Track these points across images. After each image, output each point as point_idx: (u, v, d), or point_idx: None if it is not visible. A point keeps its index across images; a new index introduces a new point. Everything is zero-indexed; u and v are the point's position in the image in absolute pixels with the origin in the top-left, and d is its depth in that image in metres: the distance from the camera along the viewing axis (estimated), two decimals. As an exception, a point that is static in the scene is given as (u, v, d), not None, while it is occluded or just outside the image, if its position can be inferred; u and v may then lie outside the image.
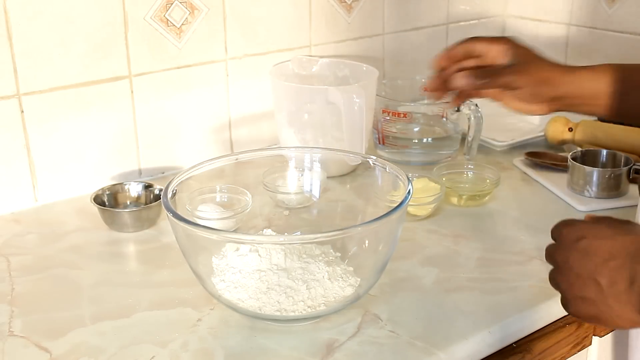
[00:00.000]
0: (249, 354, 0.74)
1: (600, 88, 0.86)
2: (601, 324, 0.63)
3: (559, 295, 0.64)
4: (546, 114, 0.91)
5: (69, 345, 0.75)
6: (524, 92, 0.87)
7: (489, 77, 0.88)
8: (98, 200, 1.01)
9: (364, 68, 1.19)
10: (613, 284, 0.59)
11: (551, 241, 0.66)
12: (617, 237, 0.61)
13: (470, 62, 0.91)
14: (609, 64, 0.87)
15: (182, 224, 0.74)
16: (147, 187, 1.05)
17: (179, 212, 0.75)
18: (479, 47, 0.91)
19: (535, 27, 1.52)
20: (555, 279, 0.65)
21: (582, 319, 0.64)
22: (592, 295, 0.61)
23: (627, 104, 0.86)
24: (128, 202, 1.04)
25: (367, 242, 0.80)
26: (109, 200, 1.03)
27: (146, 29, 1.09)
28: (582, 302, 0.62)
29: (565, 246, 0.63)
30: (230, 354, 0.74)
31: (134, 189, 1.05)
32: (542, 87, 0.87)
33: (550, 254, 0.65)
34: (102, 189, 1.03)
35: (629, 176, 1.07)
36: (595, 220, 0.64)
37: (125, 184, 1.05)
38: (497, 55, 0.89)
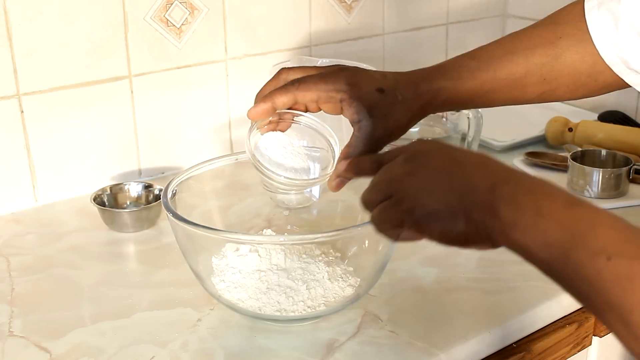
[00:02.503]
0: (249, 354, 0.74)
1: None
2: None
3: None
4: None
5: (69, 345, 0.75)
6: (392, 138, 0.73)
7: (363, 160, 0.68)
8: (98, 200, 1.01)
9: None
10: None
11: None
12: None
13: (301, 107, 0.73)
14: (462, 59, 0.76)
15: (182, 224, 0.74)
16: (147, 187, 1.05)
17: (179, 212, 0.75)
18: (311, 96, 0.71)
19: (535, 27, 1.52)
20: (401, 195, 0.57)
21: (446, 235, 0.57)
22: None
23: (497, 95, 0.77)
24: (128, 202, 1.04)
25: (367, 242, 0.80)
26: (108, 201, 1.03)
27: (146, 29, 1.09)
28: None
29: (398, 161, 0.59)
30: (230, 354, 0.74)
31: (134, 189, 1.05)
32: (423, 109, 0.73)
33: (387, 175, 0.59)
34: (102, 189, 1.03)
35: (629, 176, 1.07)
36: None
37: (125, 184, 1.05)
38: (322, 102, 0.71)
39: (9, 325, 0.78)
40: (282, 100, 0.71)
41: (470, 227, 0.55)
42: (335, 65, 0.74)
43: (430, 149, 0.60)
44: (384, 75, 0.73)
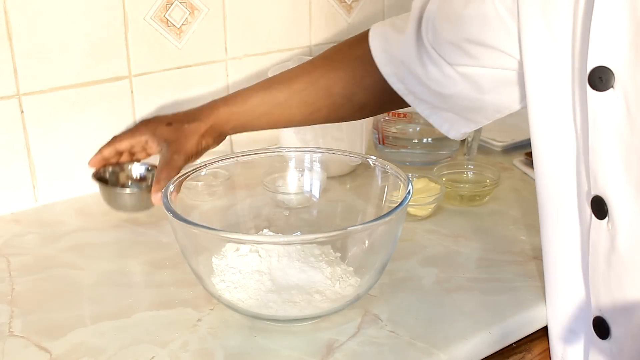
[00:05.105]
0: (249, 354, 0.74)
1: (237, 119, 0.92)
2: None
3: None
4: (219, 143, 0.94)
5: (69, 345, 0.75)
6: (188, 157, 0.90)
7: (163, 178, 0.86)
8: (98, 176, 0.98)
9: (364, 68, 1.19)
10: None
11: None
12: None
13: (125, 158, 0.96)
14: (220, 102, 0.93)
15: (182, 224, 0.74)
16: (150, 169, 1.02)
17: (179, 212, 0.75)
18: (125, 145, 0.94)
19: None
20: None
21: None
22: None
23: (273, 119, 0.93)
24: (129, 183, 1.02)
25: (367, 242, 0.80)
26: (110, 178, 1.00)
27: (146, 29, 1.09)
28: None
29: None
30: (230, 354, 0.74)
31: (136, 170, 1.02)
32: (190, 143, 0.90)
33: None
34: (104, 166, 1.00)
35: (629, 176, 1.07)
36: None
37: (128, 164, 1.01)
38: (145, 147, 0.94)
39: (9, 325, 0.78)
40: (109, 150, 0.94)
41: None
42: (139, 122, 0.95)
43: None
44: (175, 114, 0.93)
